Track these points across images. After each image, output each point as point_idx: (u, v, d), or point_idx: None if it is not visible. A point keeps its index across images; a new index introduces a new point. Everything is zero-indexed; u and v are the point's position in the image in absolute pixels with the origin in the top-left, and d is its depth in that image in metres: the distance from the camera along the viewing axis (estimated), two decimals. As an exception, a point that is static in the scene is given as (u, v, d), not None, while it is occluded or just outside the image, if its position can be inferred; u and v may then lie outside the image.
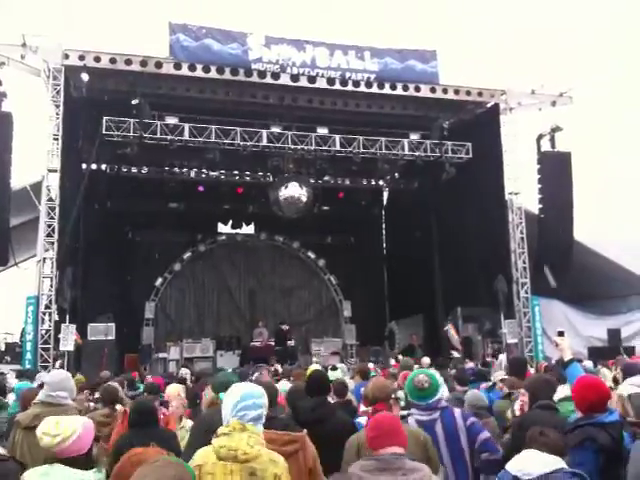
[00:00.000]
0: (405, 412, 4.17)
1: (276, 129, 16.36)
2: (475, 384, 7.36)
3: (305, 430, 3.54)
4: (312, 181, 18.56)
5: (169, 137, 15.35)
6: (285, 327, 18.63)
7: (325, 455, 3.47)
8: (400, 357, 14.21)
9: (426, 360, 11.03)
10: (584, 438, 3.20)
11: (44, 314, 13.67)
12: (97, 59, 14.41)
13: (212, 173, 19.15)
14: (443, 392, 4.69)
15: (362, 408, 4.99)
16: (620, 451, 3.15)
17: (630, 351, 14.79)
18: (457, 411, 3.97)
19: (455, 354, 15.83)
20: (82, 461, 2.96)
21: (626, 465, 3.06)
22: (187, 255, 21.22)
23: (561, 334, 4.41)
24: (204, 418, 4.03)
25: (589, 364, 10.22)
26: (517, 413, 5.03)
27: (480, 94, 16.95)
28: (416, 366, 8.23)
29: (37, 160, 14.74)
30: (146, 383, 7.71)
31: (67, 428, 2.96)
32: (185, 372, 10.45)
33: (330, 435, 3.86)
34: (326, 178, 19.32)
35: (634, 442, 3.14)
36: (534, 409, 4.09)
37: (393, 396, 4.19)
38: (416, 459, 2.96)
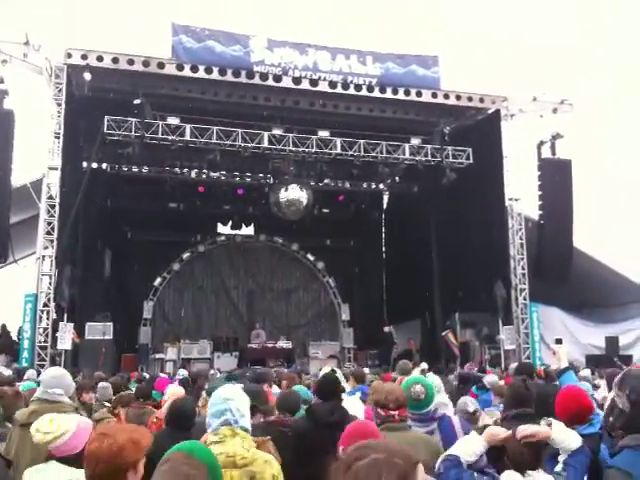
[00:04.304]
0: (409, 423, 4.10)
1: (277, 131, 16.35)
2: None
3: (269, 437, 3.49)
4: (312, 183, 18.56)
5: (170, 137, 15.35)
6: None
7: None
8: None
9: (424, 365, 10.97)
10: None
11: (42, 312, 13.65)
12: (100, 58, 14.41)
13: (213, 174, 19.12)
14: (442, 399, 4.62)
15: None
16: (597, 463, 3.13)
17: (627, 360, 14.77)
18: (456, 421, 3.85)
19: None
20: (75, 460, 2.84)
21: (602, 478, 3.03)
22: (186, 255, 21.20)
23: (559, 342, 4.41)
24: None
25: (587, 372, 10.17)
26: None
27: (481, 100, 16.94)
28: (414, 371, 8.16)
29: (38, 158, 14.79)
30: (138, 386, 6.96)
31: (60, 426, 2.94)
32: (184, 373, 10.38)
33: None
34: (326, 181, 19.30)
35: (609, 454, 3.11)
36: (510, 420, 3.98)
37: None
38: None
